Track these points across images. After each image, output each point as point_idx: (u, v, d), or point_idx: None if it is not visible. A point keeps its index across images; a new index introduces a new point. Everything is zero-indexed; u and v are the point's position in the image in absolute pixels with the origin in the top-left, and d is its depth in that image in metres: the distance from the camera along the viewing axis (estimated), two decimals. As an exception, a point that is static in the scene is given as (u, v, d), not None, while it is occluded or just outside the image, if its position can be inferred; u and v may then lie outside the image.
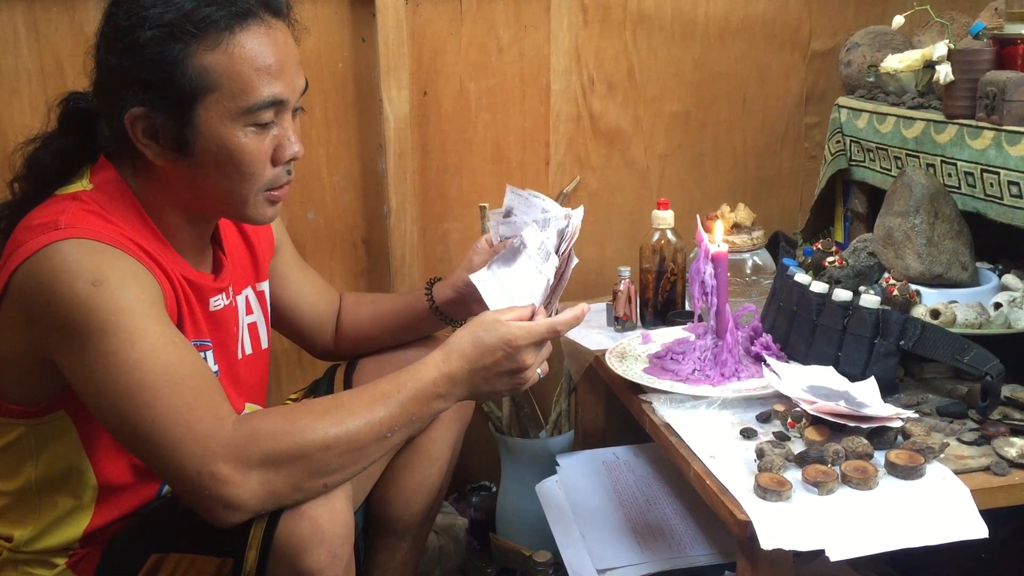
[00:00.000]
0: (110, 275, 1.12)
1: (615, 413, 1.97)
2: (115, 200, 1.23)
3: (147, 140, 1.19)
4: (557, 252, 1.38)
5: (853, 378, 1.41)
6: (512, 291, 1.33)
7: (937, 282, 1.59)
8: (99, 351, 1.10)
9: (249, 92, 1.18)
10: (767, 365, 1.46)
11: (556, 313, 1.38)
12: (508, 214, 1.51)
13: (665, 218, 1.81)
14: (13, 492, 1.26)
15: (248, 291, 1.45)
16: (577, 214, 1.42)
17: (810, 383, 1.39)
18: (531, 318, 1.27)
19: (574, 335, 1.79)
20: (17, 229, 1.19)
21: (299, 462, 1.11)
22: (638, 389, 1.51)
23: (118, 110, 1.18)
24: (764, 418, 1.39)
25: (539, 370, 1.28)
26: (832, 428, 1.30)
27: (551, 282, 1.35)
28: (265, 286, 1.51)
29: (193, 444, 1.09)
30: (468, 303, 1.53)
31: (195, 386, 1.12)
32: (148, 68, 1.15)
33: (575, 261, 1.42)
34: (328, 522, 1.14)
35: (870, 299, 1.43)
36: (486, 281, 1.34)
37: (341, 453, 1.14)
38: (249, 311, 1.45)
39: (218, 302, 1.35)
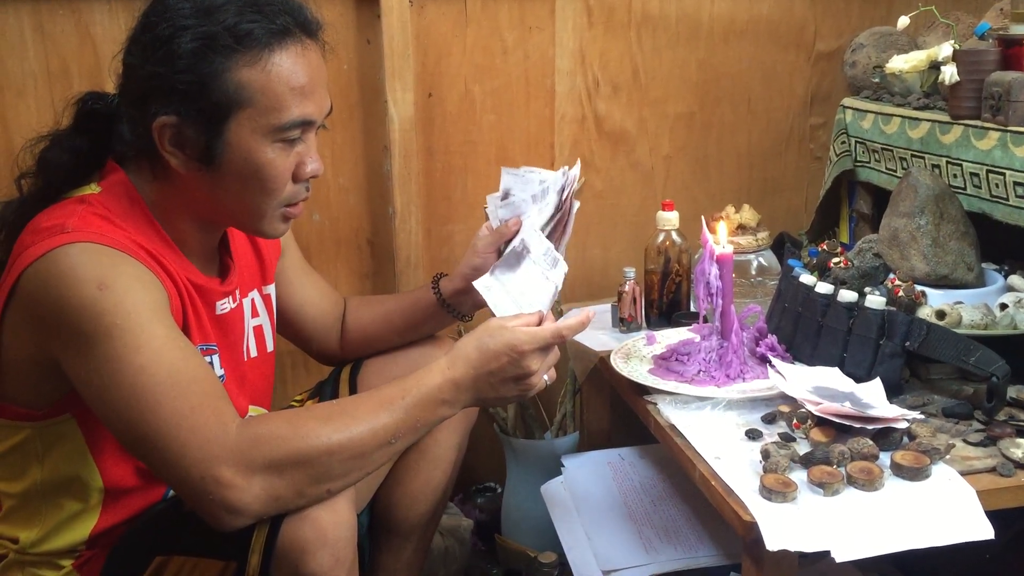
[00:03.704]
0: (116, 279, 1.12)
1: (620, 414, 1.97)
2: (123, 204, 1.23)
3: (173, 148, 1.19)
4: (560, 201, 1.40)
5: (858, 379, 1.41)
6: (518, 297, 1.34)
7: (942, 283, 1.59)
8: (104, 355, 1.10)
9: (282, 110, 1.19)
10: (772, 366, 1.46)
11: (563, 257, 1.41)
12: (506, 196, 1.50)
13: (670, 219, 1.81)
14: (19, 494, 1.27)
15: (254, 294, 1.46)
16: (575, 168, 1.44)
17: (815, 384, 1.39)
18: (539, 325, 1.27)
19: (579, 336, 1.79)
20: (25, 232, 1.19)
21: (302, 467, 1.11)
22: (643, 390, 1.51)
23: (146, 116, 1.18)
24: (769, 419, 1.39)
25: (546, 376, 1.28)
26: (837, 429, 1.30)
27: (559, 288, 1.35)
28: (271, 289, 1.51)
29: (197, 448, 1.09)
30: (474, 291, 1.53)
31: (199, 390, 1.12)
32: (185, 78, 1.15)
33: (577, 205, 1.44)
34: (331, 525, 1.14)
35: (875, 300, 1.43)
36: (490, 288, 1.34)
37: (344, 459, 1.14)
38: (255, 314, 1.45)
39: (224, 305, 1.36)
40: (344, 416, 1.16)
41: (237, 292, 1.39)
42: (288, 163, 1.23)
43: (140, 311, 1.12)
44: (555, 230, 1.44)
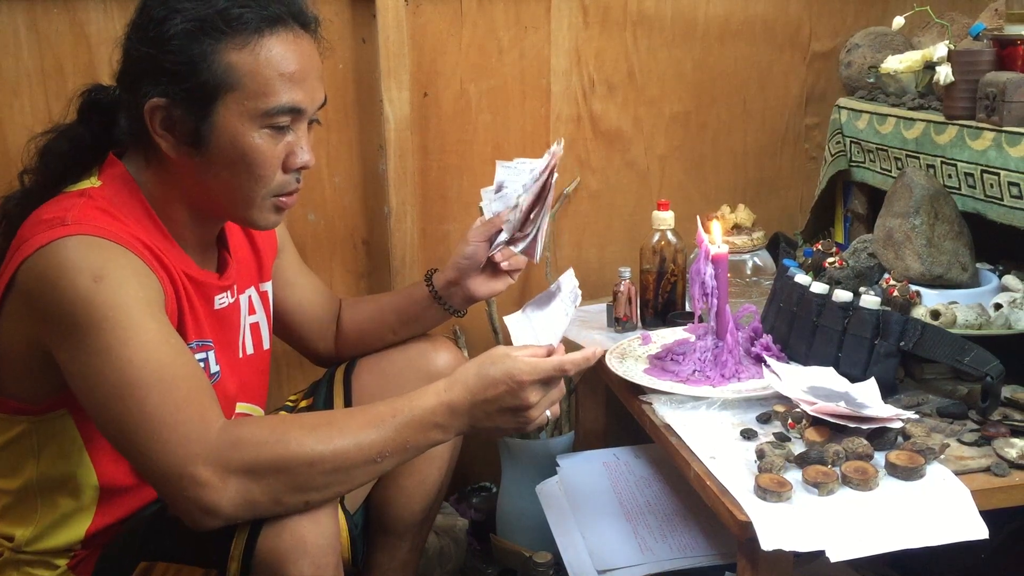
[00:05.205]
0: (113, 272, 1.13)
1: (615, 414, 1.97)
2: (123, 197, 1.24)
3: (163, 131, 1.21)
4: (543, 174, 1.44)
5: (853, 379, 1.41)
6: (539, 332, 1.35)
7: (937, 283, 1.59)
8: (94, 346, 1.11)
9: (270, 95, 1.20)
10: (767, 366, 1.46)
11: (545, 236, 1.45)
12: (499, 189, 1.52)
13: (665, 219, 1.81)
14: (14, 491, 1.27)
15: (251, 291, 1.46)
16: (559, 145, 1.46)
17: (810, 384, 1.40)
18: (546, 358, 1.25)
19: (574, 336, 1.80)
20: (25, 224, 1.20)
21: (280, 475, 1.11)
22: (638, 390, 1.51)
23: (139, 99, 1.19)
24: (764, 419, 1.39)
25: (548, 412, 1.25)
26: (832, 429, 1.30)
27: (571, 317, 1.36)
28: (268, 287, 1.51)
29: (177, 445, 1.09)
30: (465, 283, 1.53)
31: (185, 388, 1.12)
32: (175, 59, 1.17)
33: (555, 176, 1.46)
34: (311, 533, 1.13)
35: (870, 300, 1.43)
36: (519, 323, 1.37)
37: (325, 471, 1.12)
38: (252, 311, 1.45)
39: (223, 300, 1.36)
40: (330, 428, 1.14)
41: (235, 287, 1.40)
42: (277, 151, 1.23)
43: (133, 305, 1.12)
44: (538, 201, 1.46)
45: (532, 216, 1.47)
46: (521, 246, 1.50)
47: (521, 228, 1.49)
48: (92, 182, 1.24)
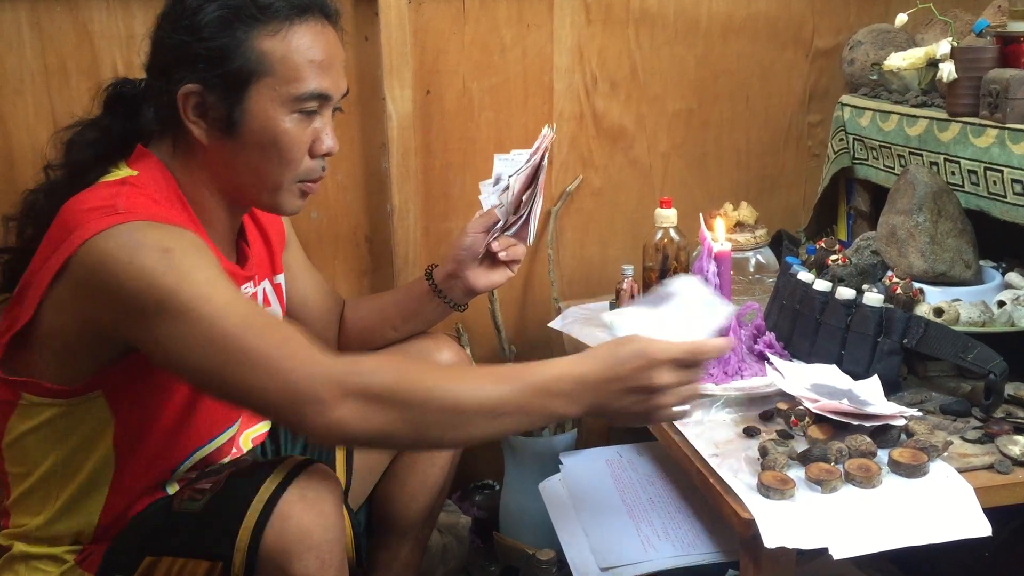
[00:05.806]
0: (176, 245, 1.13)
1: (618, 411, 1.96)
2: (159, 186, 1.25)
3: (196, 118, 1.23)
4: (534, 156, 1.48)
5: (856, 376, 1.41)
6: (651, 329, 1.21)
7: (940, 280, 1.59)
8: (177, 310, 1.09)
9: (300, 81, 1.24)
10: (770, 363, 1.46)
11: (537, 219, 1.50)
12: (497, 181, 1.54)
13: (668, 216, 1.81)
14: (33, 480, 1.26)
15: (266, 283, 1.47)
16: (549, 129, 1.51)
17: (813, 381, 1.39)
18: None
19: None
20: (67, 213, 1.18)
21: (396, 404, 1.08)
22: (641, 387, 1.51)
23: (172, 86, 1.22)
24: (767, 416, 1.39)
25: (685, 407, 1.20)
26: (835, 426, 1.30)
27: (716, 328, 1.24)
28: (281, 279, 1.52)
29: (290, 370, 1.07)
30: (464, 274, 1.53)
31: (283, 328, 1.12)
32: (209, 46, 1.20)
33: (547, 158, 1.50)
34: (316, 527, 1.13)
35: (873, 297, 1.43)
36: (622, 318, 1.27)
37: (442, 410, 1.09)
38: (267, 303, 1.46)
39: (247, 289, 1.38)
40: (450, 372, 1.20)
41: (256, 278, 1.42)
42: (305, 136, 1.27)
43: (205, 268, 1.13)
44: (530, 184, 1.49)
45: (524, 199, 1.49)
46: (514, 229, 1.52)
47: (515, 212, 1.50)
48: (128, 171, 1.25)
